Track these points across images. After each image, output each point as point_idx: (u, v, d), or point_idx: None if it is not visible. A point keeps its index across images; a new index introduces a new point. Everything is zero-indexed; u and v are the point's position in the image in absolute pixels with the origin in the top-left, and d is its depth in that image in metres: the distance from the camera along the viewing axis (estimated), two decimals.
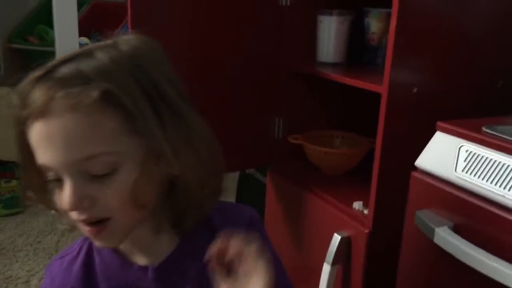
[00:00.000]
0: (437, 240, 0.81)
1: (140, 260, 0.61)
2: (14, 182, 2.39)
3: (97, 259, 0.62)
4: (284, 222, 1.35)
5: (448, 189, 0.84)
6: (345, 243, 1.11)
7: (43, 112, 0.51)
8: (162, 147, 0.53)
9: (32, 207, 2.15)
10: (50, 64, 0.54)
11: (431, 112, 0.95)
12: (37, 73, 0.53)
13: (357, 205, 1.12)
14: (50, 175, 0.54)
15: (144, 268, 0.61)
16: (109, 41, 0.57)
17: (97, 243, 0.58)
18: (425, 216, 0.85)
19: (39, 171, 0.54)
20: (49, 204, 0.57)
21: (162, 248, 0.61)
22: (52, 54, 2.07)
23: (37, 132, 0.52)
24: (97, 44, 0.57)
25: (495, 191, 0.76)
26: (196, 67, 1.16)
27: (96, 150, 0.52)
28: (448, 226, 0.82)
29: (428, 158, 0.89)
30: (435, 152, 0.88)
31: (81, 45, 2.14)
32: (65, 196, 0.52)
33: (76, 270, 0.62)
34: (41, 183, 0.56)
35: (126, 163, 0.53)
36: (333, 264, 1.11)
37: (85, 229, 0.55)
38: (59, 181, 0.53)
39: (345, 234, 1.11)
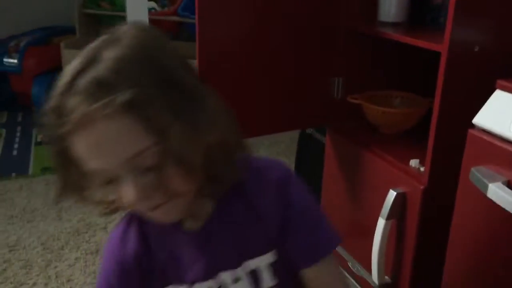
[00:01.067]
0: (490, 195, 0.83)
1: (185, 224, 0.67)
2: None
3: (147, 226, 0.67)
4: (342, 179, 1.40)
5: (504, 146, 0.85)
6: (400, 199, 1.15)
7: (81, 126, 0.54)
8: (181, 132, 0.55)
9: None
10: (66, 78, 0.55)
11: (491, 71, 0.95)
12: (58, 89, 0.55)
13: (414, 162, 1.14)
14: (101, 178, 0.57)
15: (188, 232, 0.67)
16: (109, 37, 0.58)
17: (157, 222, 0.63)
18: (479, 172, 0.87)
19: (82, 177, 0.58)
20: (86, 200, 0.62)
21: (201, 214, 0.66)
22: (122, 18, 2.19)
23: (82, 144, 0.55)
24: (98, 43, 0.57)
25: None
26: (256, 27, 1.21)
27: (139, 147, 0.55)
28: (502, 182, 0.84)
29: (486, 115, 0.90)
30: (493, 110, 0.89)
31: (149, 10, 2.23)
32: (127, 192, 0.56)
33: (133, 234, 0.67)
34: (81, 185, 0.60)
35: (165, 152, 0.55)
36: (388, 218, 1.16)
37: (147, 214, 0.61)
38: (111, 183, 0.57)
39: (401, 190, 1.14)
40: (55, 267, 1.56)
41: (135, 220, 0.68)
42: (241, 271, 0.65)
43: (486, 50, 0.99)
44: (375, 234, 1.19)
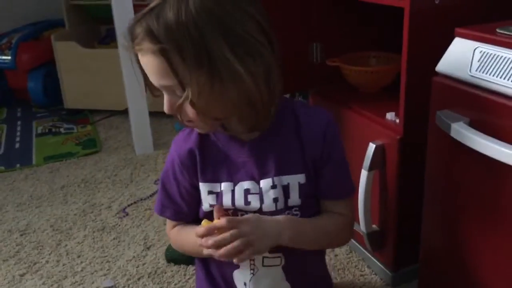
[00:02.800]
0: (453, 134, 0.91)
1: (241, 136, 0.83)
2: (89, 127, 2.67)
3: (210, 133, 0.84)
4: None
5: (465, 89, 0.92)
6: (379, 151, 1.22)
7: (139, 51, 0.75)
8: (199, 83, 0.72)
9: (107, 147, 2.40)
10: (133, 21, 0.75)
11: (452, 21, 1.02)
12: (133, 19, 0.75)
13: (390, 115, 1.22)
14: (154, 86, 0.78)
15: (243, 142, 0.82)
16: None
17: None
18: (443, 115, 0.95)
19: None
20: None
21: (255, 133, 0.83)
22: (108, 7, 2.23)
23: (140, 61, 0.77)
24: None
25: (505, 85, 0.84)
26: None
27: (166, 83, 0.74)
28: (464, 122, 0.91)
29: (447, 62, 0.97)
30: (453, 56, 0.96)
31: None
32: (164, 103, 0.77)
33: (194, 136, 0.85)
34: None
35: (188, 90, 0.73)
36: (370, 170, 1.24)
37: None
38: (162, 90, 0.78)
39: (379, 142, 1.22)
40: (65, 245, 1.65)
41: None
42: (277, 181, 0.81)
43: (446, 1, 1.05)
44: (359, 186, 1.26)
